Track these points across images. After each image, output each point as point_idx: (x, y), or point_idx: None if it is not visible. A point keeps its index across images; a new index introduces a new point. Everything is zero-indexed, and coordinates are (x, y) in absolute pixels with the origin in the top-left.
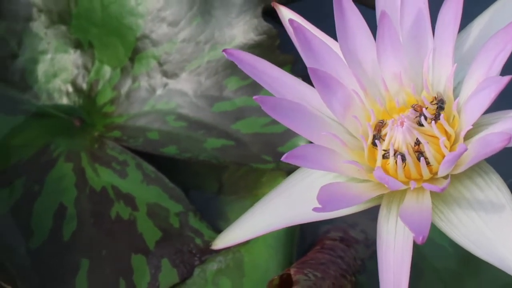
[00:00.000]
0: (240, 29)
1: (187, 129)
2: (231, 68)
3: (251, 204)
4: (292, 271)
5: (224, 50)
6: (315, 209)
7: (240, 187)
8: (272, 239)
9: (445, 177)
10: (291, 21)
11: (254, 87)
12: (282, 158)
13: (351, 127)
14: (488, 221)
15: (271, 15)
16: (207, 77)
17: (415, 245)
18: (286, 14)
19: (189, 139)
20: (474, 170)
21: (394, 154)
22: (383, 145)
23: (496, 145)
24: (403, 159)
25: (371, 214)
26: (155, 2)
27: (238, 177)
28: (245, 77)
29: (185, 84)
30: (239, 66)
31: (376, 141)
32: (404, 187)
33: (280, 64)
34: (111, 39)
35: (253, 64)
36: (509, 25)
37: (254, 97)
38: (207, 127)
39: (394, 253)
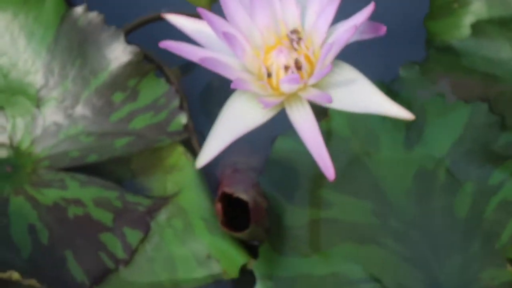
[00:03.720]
0: (112, 56)
1: (97, 140)
2: (114, 86)
3: (162, 173)
4: (225, 189)
5: (160, 43)
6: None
7: (148, 166)
8: (193, 187)
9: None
10: (201, 11)
11: (135, 95)
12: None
13: (249, 65)
14: (355, 89)
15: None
16: (99, 99)
17: None
18: (176, 20)
19: (102, 146)
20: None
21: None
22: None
23: (344, 36)
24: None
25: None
26: (44, 58)
27: (143, 161)
28: (125, 90)
29: (83, 109)
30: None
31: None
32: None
33: (146, 72)
34: (17, 98)
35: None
36: None
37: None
38: (111, 133)
39: (306, 124)
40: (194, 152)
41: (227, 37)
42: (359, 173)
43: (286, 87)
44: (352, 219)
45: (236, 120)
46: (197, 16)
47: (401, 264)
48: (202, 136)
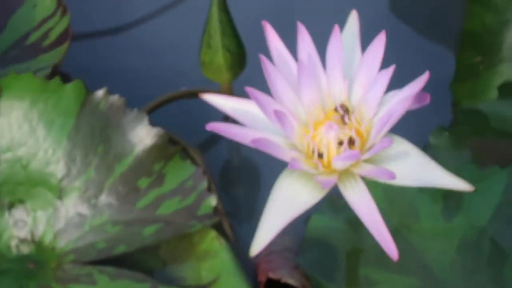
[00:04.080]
0: (137, 140)
1: (124, 229)
2: (139, 171)
3: (195, 260)
4: (270, 275)
5: (207, 126)
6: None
7: (180, 253)
8: (230, 273)
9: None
10: (250, 90)
11: (161, 180)
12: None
13: (298, 143)
14: (411, 162)
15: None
16: (124, 186)
17: None
18: (215, 100)
19: (130, 235)
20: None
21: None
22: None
23: (400, 108)
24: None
25: None
26: (65, 147)
27: (174, 248)
28: (151, 174)
29: (108, 198)
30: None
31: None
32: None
33: (171, 155)
34: (38, 189)
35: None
36: (378, 38)
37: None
38: (139, 221)
39: (363, 202)
40: (226, 236)
41: (278, 116)
42: (400, 246)
43: (340, 164)
44: None
45: (288, 202)
46: (219, 92)
47: None
48: (233, 218)
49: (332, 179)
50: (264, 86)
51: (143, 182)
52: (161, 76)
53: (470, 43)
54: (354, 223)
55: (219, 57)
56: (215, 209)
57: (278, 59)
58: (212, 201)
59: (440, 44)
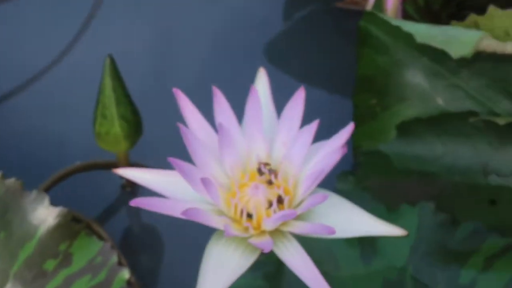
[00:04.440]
0: (38, 221)
1: None
2: (44, 254)
3: None
4: None
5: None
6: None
7: None
8: None
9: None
10: (172, 160)
11: (68, 260)
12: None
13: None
14: (342, 214)
15: None
16: (29, 270)
17: None
18: (130, 173)
19: None
20: None
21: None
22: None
23: (330, 161)
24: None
25: None
26: None
27: None
28: (57, 255)
29: (14, 286)
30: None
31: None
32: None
33: (76, 233)
34: None
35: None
36: (297, 94)
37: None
38: None
39: (299, 259)
40: None
41: (205, 183)
42: None
43: (271, 225)
44: None
45: (221, 270)
46: (116, 161)
47: None
48: None
49: (268, 240)
50: (159, 151)
51: (49, 265)
52: (49, 147)
53: (364, 86)
54: (273, 277)
55: (116, 127)
56: (129, 283)
57: (194, 126)
58: (125, 274)
59: (338, 91)
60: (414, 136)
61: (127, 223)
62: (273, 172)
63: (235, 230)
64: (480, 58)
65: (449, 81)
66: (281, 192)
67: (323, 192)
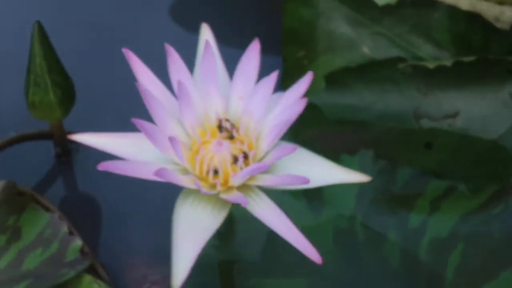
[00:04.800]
0: None
1: None
2: None
3: None
4: None
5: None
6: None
7: None
8: None
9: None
10: (137, 121)
11: (18, 234)
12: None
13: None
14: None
15: None
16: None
17: None
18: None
19: None
20: None
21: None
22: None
23: (294, 111)
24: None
25: None
26: None
27: None
28: (6, 230)
29: None
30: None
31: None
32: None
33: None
34: None
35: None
36: (251, 46)
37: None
38: (6, 281)
39: (271, 213)
40: (102, 278)
41: (172, 142)
42: (279, 252)
43: (240, 180)
44: None
45: (194, 227)
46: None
47: None
48: (104, 258)
49: (240, 195)
50: (92, 120)
51: (0, 240)
52: None
53: (291, 39)
54: (226, 236)
55: (50, 95)
56: (83, 253)
57: (149, 87)
58: (77, 244)
59: (266, 46)
60: (343, 86)
61: (68, 192)
62: (234, 127)
63: (203, 188)
64: (403, 5)
65: (373, 29)
66: (245, 147)
67: (285, 144)
